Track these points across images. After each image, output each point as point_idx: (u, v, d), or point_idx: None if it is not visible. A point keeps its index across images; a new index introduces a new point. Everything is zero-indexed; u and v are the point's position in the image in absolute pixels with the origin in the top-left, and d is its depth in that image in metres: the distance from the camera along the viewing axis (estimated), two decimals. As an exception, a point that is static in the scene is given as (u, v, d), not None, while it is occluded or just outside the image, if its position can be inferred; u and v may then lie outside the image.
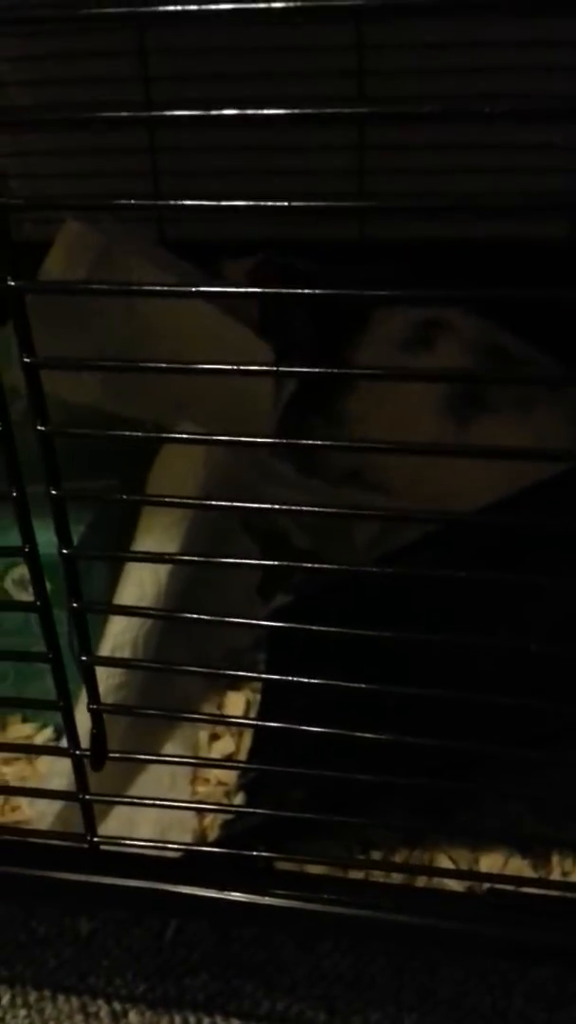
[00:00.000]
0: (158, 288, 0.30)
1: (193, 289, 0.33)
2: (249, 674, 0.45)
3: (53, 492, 0.30)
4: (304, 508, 0.30)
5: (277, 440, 0.35)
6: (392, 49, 0.68)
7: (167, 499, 0.36)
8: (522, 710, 0.41)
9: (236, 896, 0.41)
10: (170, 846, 0.42)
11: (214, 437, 0.29)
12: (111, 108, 0.29)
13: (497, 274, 0.64)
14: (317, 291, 0.27)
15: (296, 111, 0.24)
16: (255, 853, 0.43)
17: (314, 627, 0.37)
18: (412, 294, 0.27)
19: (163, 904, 0.44)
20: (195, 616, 0.37)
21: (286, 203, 0.24)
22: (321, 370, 0.28)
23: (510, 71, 0.67)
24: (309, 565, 0.37)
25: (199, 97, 0.72)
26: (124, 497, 0.42)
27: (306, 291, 0.27)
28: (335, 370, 0.28)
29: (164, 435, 0.42)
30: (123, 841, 0.41)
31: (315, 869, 0.46)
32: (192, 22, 0.26)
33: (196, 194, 0.73)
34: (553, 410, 0.61)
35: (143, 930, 0.51)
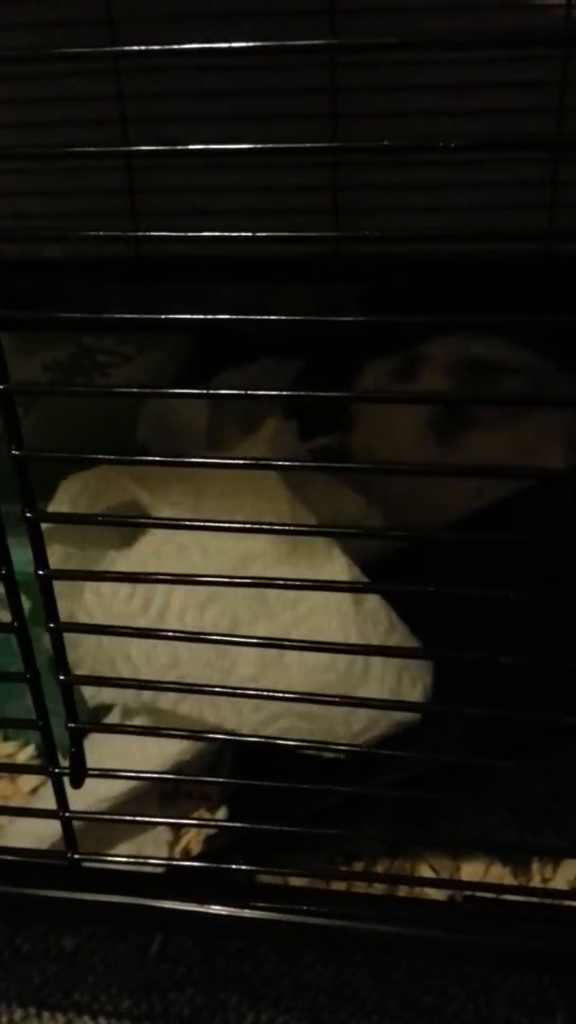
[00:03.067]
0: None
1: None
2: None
3: (28, 515, 0.31)
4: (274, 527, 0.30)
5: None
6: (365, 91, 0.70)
7: (141, 520, 0.37)
8: (500, 719, 0.42)
9: (218, 910, 0.41)
10: (151, 861, 0.43)
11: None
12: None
13: (474, 290, 0.65)
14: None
15: (259, 146, 0.25)
16: (234, 867, 0.43)
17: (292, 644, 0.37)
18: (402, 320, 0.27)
19: (146, 919, 0.44)
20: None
21: (251, 233, 0.25)
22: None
23: (480, 112, 0.69)
24: (283, 581, 0.38)
25: (175, 135, 0.72)
26: (100, 518, 0.42)
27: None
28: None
29: (146, 459, 0.42)
30: (104, 857, 0.42)
31: (297, 881, 0.46)
32: (163, 58, 0.26)
33: (172, 207, 0.73)
34: (540, 419, 0.61)
35: (128, 945, 0.51)
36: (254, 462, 0.32)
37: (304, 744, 0.40)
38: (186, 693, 0.43)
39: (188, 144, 0.75)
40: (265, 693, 0.40)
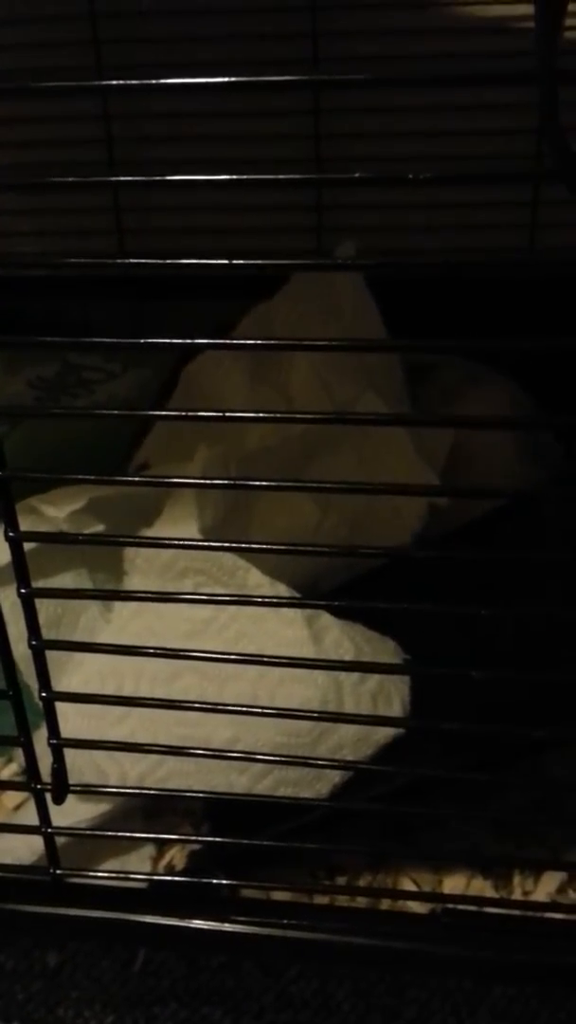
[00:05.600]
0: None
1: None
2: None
3: (11, 534, 0.31)
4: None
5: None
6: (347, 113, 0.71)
7: (122, 539, 0.37)
8: (480, 733, 0.42)
9: (202, 924, 0.42)
10: (135, 876, 0.43)
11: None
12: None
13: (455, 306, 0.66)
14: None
15: (241, 177, 0.25)
16: (216, 881, 0.44)
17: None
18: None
19: (129, 934, 0.44)
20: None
21: (240, 261, 0.26)
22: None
23: (458, 135, 0.70)
24: (262, 598, 0.38)
25: (160, 155, 0.73)
26: (80, 536, 0.43)
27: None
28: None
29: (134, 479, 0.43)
30: (87, 873, 0.42)
31: (280, 895, 0.47)
32: (152, 92, 0.27)
33: (158, 225, 0.73)
34: (484, 398, 0.63)
35: (111, 960, 0.51)
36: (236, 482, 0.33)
37: (293, 800, 0.40)
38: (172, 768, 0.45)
39: (174, 152, 0.75)
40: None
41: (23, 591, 0.33)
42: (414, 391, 0.63)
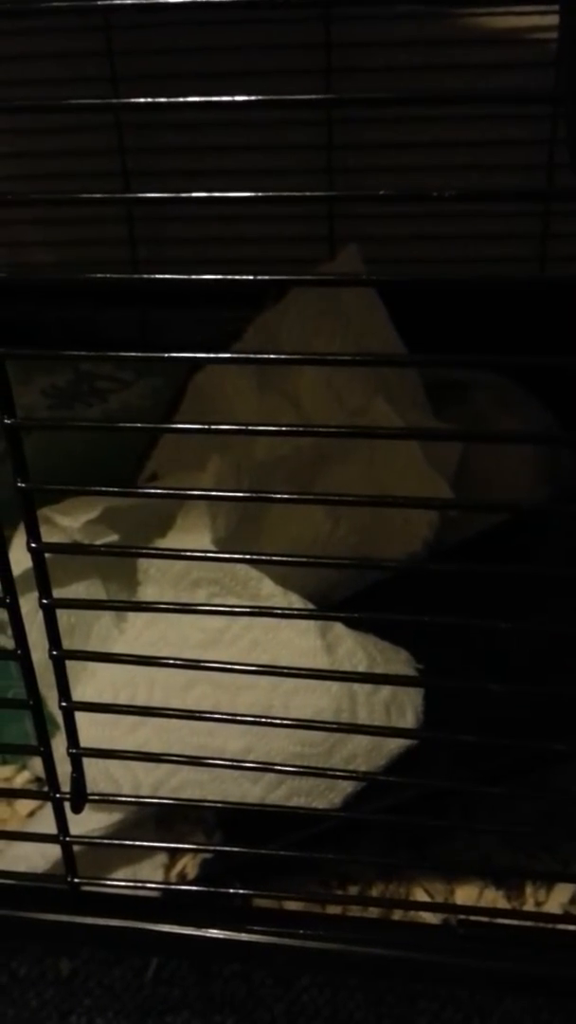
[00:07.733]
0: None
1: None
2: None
3: (33, 545, 0.32)
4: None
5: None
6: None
7: (143, 551, 0.37)
8: (491, 745, 0.42)
9: (214, 933, 0.42)
10: (149, 885, 0.43)
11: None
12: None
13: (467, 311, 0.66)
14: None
15: (256, 194, 0.26)
16: (232, 891, 0.44)
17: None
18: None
19: (142, 942, 0.45)
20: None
21: (252, 277, 0.26)
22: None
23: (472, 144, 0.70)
24: (280, 611, 0.39)
25: (173, 164, 0.73)
26: (101, 547, 0.43)
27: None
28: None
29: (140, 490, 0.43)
30: (103, 881, 0.42)
31: (293, 905, 0.47)
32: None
33: (170, 234, 0.73)
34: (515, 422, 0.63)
35: (124, 969, 0.51)
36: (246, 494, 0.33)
37: (306, 809, 0.41)
38: (186, 777, 0.45)
39: (187, 161, 0.75)
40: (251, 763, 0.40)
41: (45, 601, 0.33)
42: (447, 411, 0.63)
